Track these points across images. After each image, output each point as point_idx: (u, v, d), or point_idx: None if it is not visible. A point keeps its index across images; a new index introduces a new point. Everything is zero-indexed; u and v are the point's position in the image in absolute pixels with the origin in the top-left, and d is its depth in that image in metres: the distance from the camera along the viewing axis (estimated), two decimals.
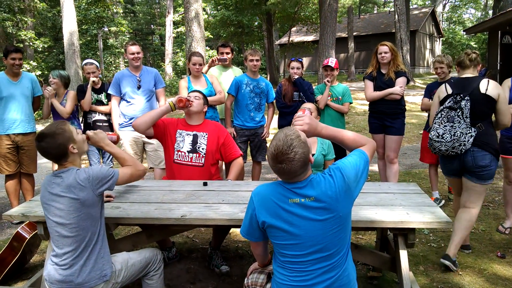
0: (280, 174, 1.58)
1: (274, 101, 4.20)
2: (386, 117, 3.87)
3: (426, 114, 4.84)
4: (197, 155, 2.87)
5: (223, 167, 3.94)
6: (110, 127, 4.17)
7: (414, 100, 12.01)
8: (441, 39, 31.56)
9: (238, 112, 4.07)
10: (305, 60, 24.73)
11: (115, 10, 19.14)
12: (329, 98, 4.05)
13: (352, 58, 20.85)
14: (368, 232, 3.32)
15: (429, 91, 3.99)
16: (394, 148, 3.90)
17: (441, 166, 2.94)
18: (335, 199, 1.56)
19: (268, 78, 19.26)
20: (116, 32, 18.81)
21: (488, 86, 2.65)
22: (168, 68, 21.89)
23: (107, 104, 4.19)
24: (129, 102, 3.88)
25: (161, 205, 2.24)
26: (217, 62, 4.16)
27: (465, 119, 2.64)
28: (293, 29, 22.27)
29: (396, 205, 2.17)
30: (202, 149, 2.88)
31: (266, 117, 4.24)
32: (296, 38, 24.06)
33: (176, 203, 2.26)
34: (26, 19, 15.52)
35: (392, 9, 20.79)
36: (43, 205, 1.90)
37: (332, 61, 4.05)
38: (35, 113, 4.19)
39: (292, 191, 1.58)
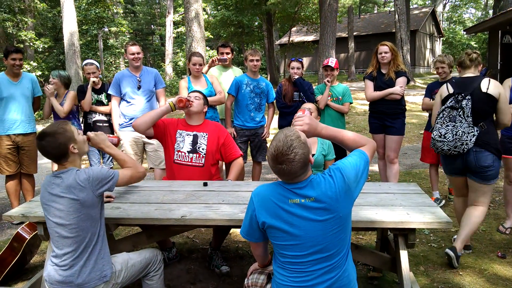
0: (280, 175, 1.58)
1: (274, 101, 4.20)
2: (386, 117, 3.87)
3: (426, 114, 4.85)
4: (197, 155, 2.87)
5: (223, 167, 3.94)
6: (111, 128, 4.17)
7: (414, 100, 12.01)
8: (441, 39, 31.55)
9: (238, 112, 4.06)
10: (305, 60, 24.74)
11: (115, 11, 19.13)
12: (329, 98, 4.05)
13: (352, 58, 20.84)
14: (369, 233, 3.32)
15: (430, 91, 3.99)
16: (394, 148, 3.90)
17: (444, 165, 2.94)
18: (335, 199, 1.56)
19: (269, 78, 19.26)
20: (116, 32, 18.81)
21: (489, 85, 2.67)
22: (168, 68, 21.89)
23: (107, 105, 4.19)
24: (129, 102, 3.88)
25: (161, 205, 2.23)
26: (217, 62, 4.16)
27: (466, 118, 2.65)
28: (293, 29, 22.26)
29: (396, 205, 2.16)
30: (202, 149, 2.87)
31: (266, 117, 4.23)
32: (296, 38, 24.06)
33: (176, 204, 2.25)
34: (26, 20, 15.52)
35: (392, 9, 20.78)
36: (43, 206, 1.90)
37: (332, 61, 4.05)
38: (35, 113, 4.19)
39: (292, 191, 1.58)
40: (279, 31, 26.42)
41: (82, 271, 1.82)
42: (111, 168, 4.37)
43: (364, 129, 8.14)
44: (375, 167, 5.06)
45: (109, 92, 4.01)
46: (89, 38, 18.08)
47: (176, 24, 24.30)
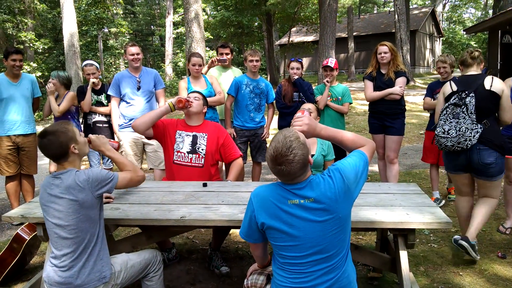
0: (280, 176, 1.57)
1: (274, 101, 4.20)
2: (386, 117, 3.87)
3: (426, 114, 4.85)
4: (197, 155, 2.87)
5: (223, 167, 3.94)
6: (110, 128, 4.17)
7: (414, 100, 12.01)
8: (441, 39, 31.55)
9: (238, 112, 4.06)
10: (305, 61, 24.74)
11: (115, 11, 19.15)
12: (328, 98, 4.05)
13: (352, 58, 20.84)
14: (368, 233, 3.32)
15: (431, 90, 3.98)
16: (394, 148, 3.90)
17: (447, 163, 2.95)
18: (334, 200, 1.56)
19: (268, 78, 19.26)
20: (116, 33, 18.83)
21: (492, 83, 2.70)
22: (168, 69, 21.90)
23: (107, 105, 4.19)
24: (129, 103, 3.88)
25: (161, 206, 2.23)
26: (216, 62, 4.16)
27: (470, 115, 2.67)
28: (293, 29, 22.26)
29: (396, 205, 2.16)
30: (202, 149, 2.87)
31: (266, 117, 4.23)
32: (296, 39, 24.06)
33: (175, 204, 2.25)
34: (26, 21, 15.53)
35: (392, 9, 20.78)
36: (42, 207, 1.90)
37: (331, 62, 4.05)
38: (35, 114, 4.19)
39: (291, 192, 1.57)
40: (279, 32, 26.43)
41: (81, 272, 1.82)
42: (111, 168, 4.38)
43: (364, 129, 8.13)
44: (374, 167, 5.06)
45: (108, 93, 4.01)
46: (89, 39, 18.09)
47: (176, 24, 24.33)
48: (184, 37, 13.55)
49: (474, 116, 2.67)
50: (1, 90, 3.77)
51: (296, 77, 3.97)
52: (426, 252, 3.04)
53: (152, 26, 34.03)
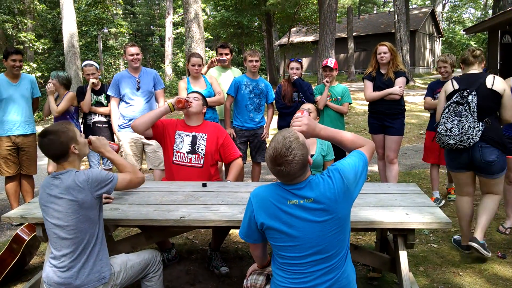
0: (279, 176, 1.57)
1: (274, 101, 4.20)
2: (385, 117, 3.87)
3: (426, 114, 4.85)
4: (196, 156, 2.86)
5: (223, 168, 3.93)
6: (110, 129, 4.17)
7: (414, 100, 12.01)
8: (441, 39, 31.56)
9: (237, 113, 4.06)
10: (305, 61, 24.74)
11: (114, 12, 19.15)
12: (328, 98, 4.05)
13: (352, 58, 20.85)
14: (368, 233, 3.32)
15: (432, 90, 3.98)
16: (394, 148, 3.90)
17: (448, 161, 2.95)
18: (334, 200, 1.55)
19: (268, 78, 19.26)
20: (116, 33, 18.84)
21: (494, 82, 2.71)
22: (168, 69, 21.91)
23: (107, 106, 4.19)
24: (128, 103, 3.88)
25: (160, 206, 2.23)
26: (216, 63, 4.16)
27: (472, 113, 2.68)
28: (293, 29, 22.26)
29: (395, 205, 2.16)
30: (201, 150, 2.87)
31: (265, 117, 4.23)
32: (296, 39, 24.06)
33: (175, 204, 2.25)
34: (26, 21, 15.54)
35: (392, 9, 20.80)
36: (41, 207, 1.90)
37: (331, 62, 4.05)
38: (35, 114, 4.19)
39: (290, 192, 1.57)
40: (279, 32, 26.44)
41: (81, 272, 1.82)
42: (110, 169, 4.37)
43: (364, 130, 8.13)
44: (374, 168, 5.05)
45: (108, 93, 4.01)
46: (88, 39, 18.11)
47: (175, 25, 24.32)
48: (184, 37, 13.57)
49: (476, 114, 2.68)
50: (0, 91, 3.77)
51: (295, 77, 3.97)
52: (426, 252, 3.04)
53: (152, 27, 34.03)
